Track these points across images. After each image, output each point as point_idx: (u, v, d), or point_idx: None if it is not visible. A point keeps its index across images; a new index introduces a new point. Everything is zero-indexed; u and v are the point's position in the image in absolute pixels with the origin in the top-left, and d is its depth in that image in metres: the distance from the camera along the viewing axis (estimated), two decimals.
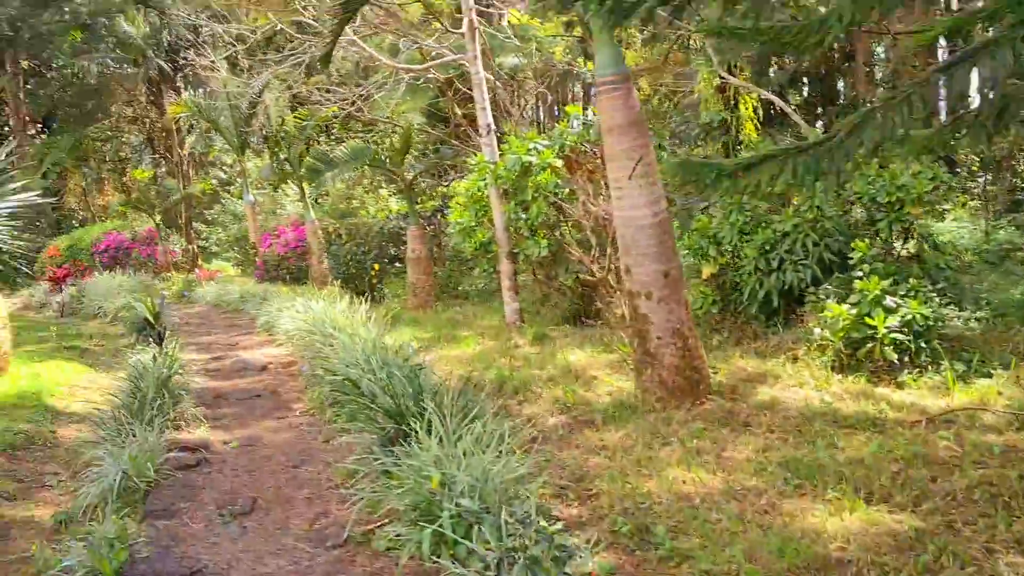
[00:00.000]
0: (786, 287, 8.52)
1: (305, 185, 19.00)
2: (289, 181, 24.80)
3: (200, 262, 27.07)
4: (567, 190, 9.95)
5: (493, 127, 10.66)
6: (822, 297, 7.86)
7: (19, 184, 9.01)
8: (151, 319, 7.71)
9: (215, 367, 9.86)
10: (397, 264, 15.63)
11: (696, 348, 6.73)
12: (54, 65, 30.86)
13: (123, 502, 5.41)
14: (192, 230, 28.16)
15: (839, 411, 6.09)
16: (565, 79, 23.43)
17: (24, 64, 31.68)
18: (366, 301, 15.04)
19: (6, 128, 33.47)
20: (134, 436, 6.18)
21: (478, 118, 10.64)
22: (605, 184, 8.04)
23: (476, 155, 16.29)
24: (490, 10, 13.86)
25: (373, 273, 14.72)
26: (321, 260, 18.40)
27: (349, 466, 5.34)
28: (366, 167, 14.70)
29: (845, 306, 7.09)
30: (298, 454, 6.36)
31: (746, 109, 14.30)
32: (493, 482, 4.14)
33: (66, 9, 28.45)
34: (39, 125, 35.93)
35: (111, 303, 16.64)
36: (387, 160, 13.87)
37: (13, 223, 8.28)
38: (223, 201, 28.02)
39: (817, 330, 7.45)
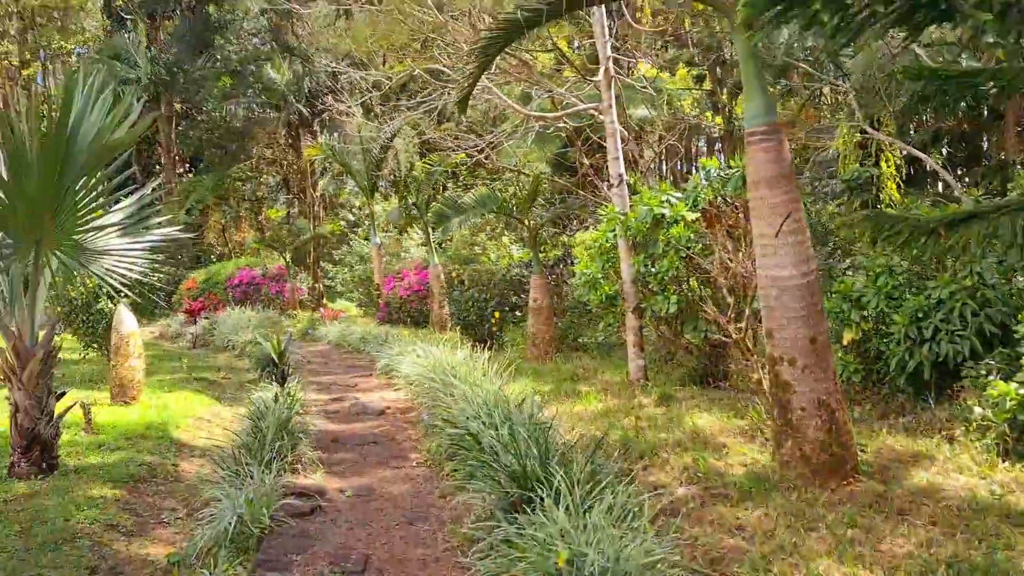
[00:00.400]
0: (940, 359, 7.80)
1: (430, 230, 19.19)
2: (414, 225, 25.22)
3: (325, 301, 27.71)
4: (699, 245, 9.50)
5: (625, 177, 10.35)
6: (983, 373, 7.11)
7: (164, 219, 9.19)
8: (275, 358, 7.71)
9: (334, 409, 9.82)
10: (516, 312, 15.40)
11: (844, 423, 6.13)
12: (204, 108, 32.53)
13: (236, 548, 5.26)
14: (319, 269, 28.92)
15: (1011, 505, 5.39)
16: (691, 133, 23.01)
17: (177, 107, 33.63)
18: (486, 348, 14.92)
19: (157, 166, 35.52)
20: (252, 478, 6.07)
21: (609, 168, 10.36)
22: (745, 240, 7.56)
23: (603, 206, 16.08)
24: (622, 59, 13.70)
25: (494, 321, 14.54)
26: (442, 305, 18.39)
27: (468, 531, 5.02)
28: (492, 214, 14.59)
29: (1012, 384, 6.37)
30: (413, 509, 6.08)
31: (888, 167, 13.48)
32: (626, 564, 3.74)
33: (219, 57, 30.07)
34: (187, 164, 38.06)
35: (239, 337, 17.09)
36: (514, 208, 13.74)
37: (155, 256, 8.43)
38: (350, 242, 28.69)
39: (978, 409, 6.69)
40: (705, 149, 33.12)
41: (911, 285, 8.31)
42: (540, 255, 14.83)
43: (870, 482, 5.95)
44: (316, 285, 28.07)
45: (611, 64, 10.23)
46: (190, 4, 31.29)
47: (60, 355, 9.33)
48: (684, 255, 9.67)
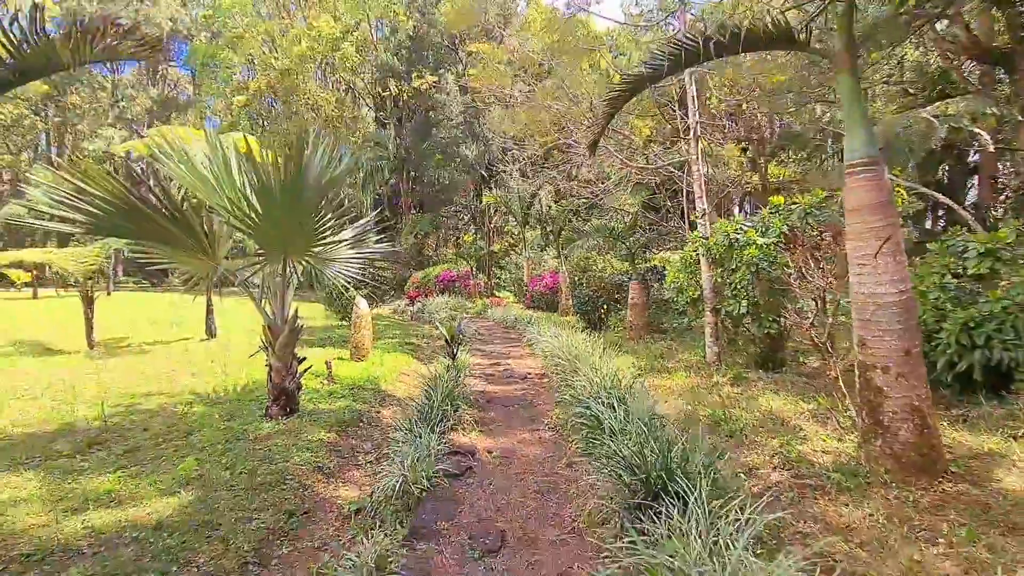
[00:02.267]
0: (992, 364, 5.45)
1: (561, 249, 17.55)
2: (550, 246, 23.64)
3: (494, 292, 26.64)
4: (767, 263, 7.38)
5: (708, 210, 8.32)
6: None
7: (378, 238, 8.09)
8: (448, 338, 6.30)
9: (491, 373, 8.34)
10: (617, 305, 13.50)
11: (934, 426, 4.05)
12: (425, 174, 32.25)
13: (401, 505, 3.87)
14: (492, 272, 27.89)
15: None
16: (736, 186, 20.29)
17: (411, 173, 33.59)
18: (596, 329, 13.16)
19: (399, 209, 35.76)
20: (420, 438, 4.68)
21: (696, 204, 8.38)
22: (824, 260, 5.49)
23: (677, 234, 13.99)
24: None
25: (603, 311, 12.72)
26: (567, 298, 16.81)
27: (592, 510, 3.39)
28: (605, 238, 12.77)
29: None
30: (545, 477, 4.47)
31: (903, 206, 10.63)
32: None
33: (434, 141, 29.58)
34: (418, 208, 38.16)
35: (439, 315, 16.08)
36: (619, 235, 11.87)
37: (374, 262, 7.28)
38: (510, 256, 27.45)
39: None
40: (737, 200, 29.62)
41: (961, 300, 5.94)
42: (636, 267, 12.89)
43: (963, 485, 3.86)
44: (489, 282, 27.03)
45: (698, 126, 8.23)
46: (417, 110, 30.99)
47: (326, 323, 8.28)
48: (754, 270, 7.57)
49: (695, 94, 8.10)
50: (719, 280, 7.93)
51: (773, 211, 7.94)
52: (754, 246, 7.53)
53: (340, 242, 6.47)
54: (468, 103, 26.01)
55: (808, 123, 14.48)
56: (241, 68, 39.81)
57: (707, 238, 8.16)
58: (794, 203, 7.61)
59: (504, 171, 21.48)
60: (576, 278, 13.70)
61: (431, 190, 32.66)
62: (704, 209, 8.28)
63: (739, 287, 7.72)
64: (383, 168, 31.54)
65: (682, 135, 9.59)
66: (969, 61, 11.70)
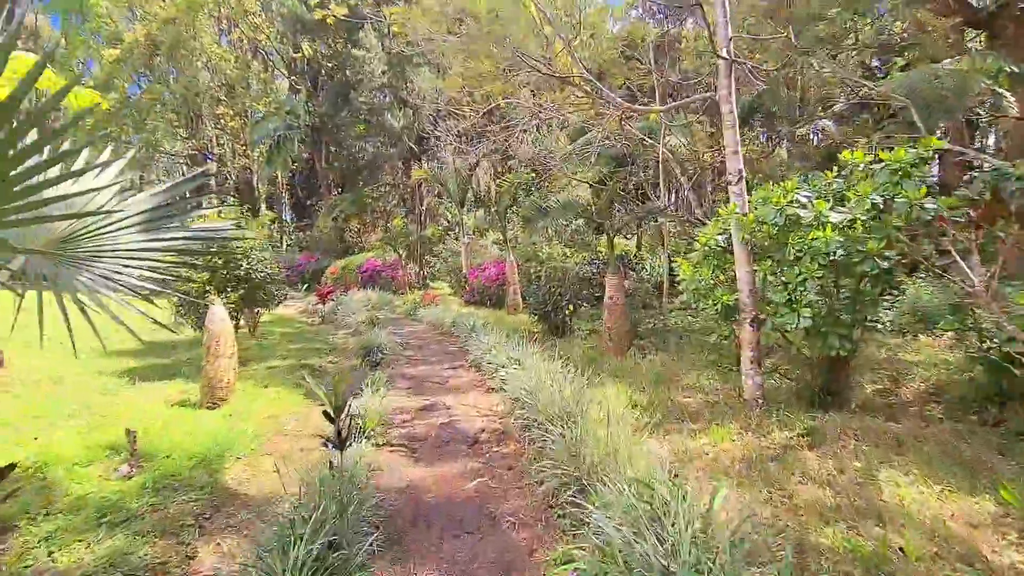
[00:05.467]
0: None
1: (506, 233, 14.66)
2: (492, 230, 20.74)
3: (429, 283, 23.45)
4: (850, 249, 4.81)
5: (744, 174, 5.64)
6: None
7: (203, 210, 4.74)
8: (332, 415, 3.24)
9: (418, 431, 5.28)
10: (585, 305, 10.79)
11: None
12: (345, 147, 28.34)
13: None
14: (424, 260, 24.61)
15: None
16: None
17: (330, 147, 29.57)
18: (558, 335, 10.41)
19: (320, 189, 31.75)
20: None
21: (727, 163, 5.66)
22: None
23: (652, 221, 11.43)
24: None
25: (568, 312, 9.95)
26: (516, 292, 14.00)
27: None
28: (577, 217, 9.92)
29: None
30: None
31: None
32: None
33: (353, 107, 25.77)
34: (339, 188, 33.99)
35: (356, 317, 12.80)
36: (595, 212, 9.07)
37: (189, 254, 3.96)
38: (446, 242, 24.23)
39: None
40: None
41: None
42: (597, 254, 10.28)
43: None
44: (421, 271, 23.77)
45: (731, 46, 5.50)
46: (331, 72, 26.95)
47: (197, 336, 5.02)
48: (825, 263, 4.99)
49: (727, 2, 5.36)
50: (771, 277, 5.30)
51: (839, 174, 5.39)
52: (826, 226, 4.93)
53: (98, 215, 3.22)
54: (391, 51, 22.26)
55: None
56: (120, 19, 33.85)
57: (745, 214, 5.49)
58: (880, 160, 5.05)
59: (437, 140, 18.26)
60: (532, 269, 10.82)
61: (353, 166, 28.83)
62: (740, 171, 5.60)
63: (799, 289, 5.12)
64: (293, 139, 27.33)
65: (711, 56, 6.84)
66: (952, 23, 10.06)
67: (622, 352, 8.46)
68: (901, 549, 3.00)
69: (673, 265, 12.37)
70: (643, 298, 10.48)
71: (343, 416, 3.35)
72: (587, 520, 2.86)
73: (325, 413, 3.38)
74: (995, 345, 5.66)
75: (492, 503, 3.66)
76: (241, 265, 7.78)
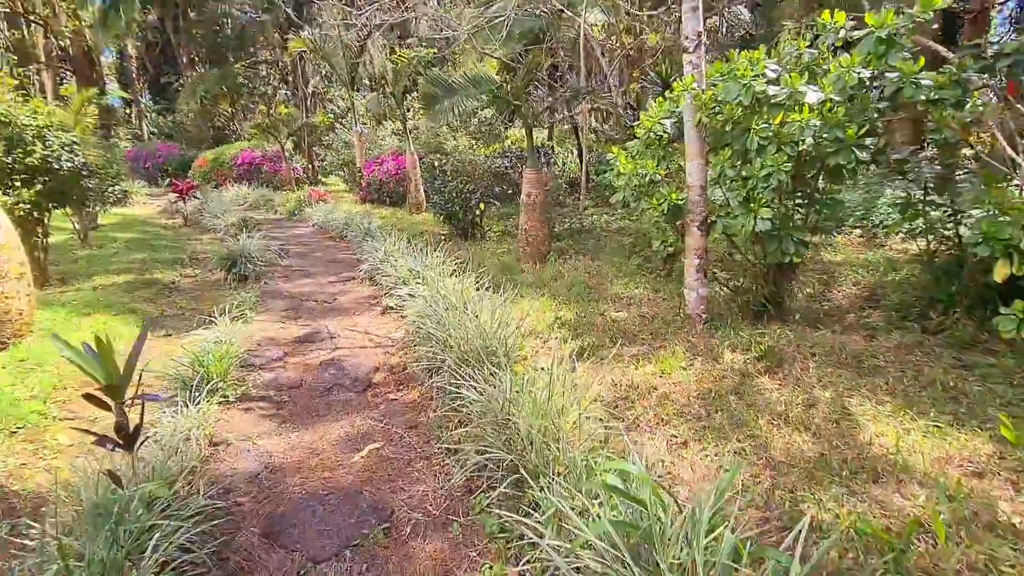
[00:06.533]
0: None
1: (405, 121, 12.72)
2: (390, 118, 18.38)
3: (320, 177, 20.89)
4: (835, 136, 3.92)
5: (704, 39, 4.46)
6: None
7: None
8: (106, 393, 2.00)
9: (291, 377, 3.98)
10: (497, 204, 9.57)
11: None
12: (203, 10, 23.50)
13: None
14: (313, 153, 21.70)
15: None
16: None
17: (185, 11, 24.37)
18: (468, 238, 9.21)
19: (181, 65, 26.59)
20: None
21: (684, 22, 4.42)
22: None
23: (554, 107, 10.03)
24: None
25: (479, 212, 8.70)
26: (418, 188, 12.43)
27: None
28: (485, 96, 8.31)
29: None
30: None
31: None
32: None
33: None
34: (206, 64, 28.71)
35: (226, 219, 10.72)
36: (509, 93, 7.58)
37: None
38: (337, 131, 21.32)
39: None
40: None
41: None
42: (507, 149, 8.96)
43: None
44: (310, 166, 21.02)
45: None
46: None
47: None
48: (796, 152, 4.10)
49: None
50: (729, 171, 4.33)
51: (812, 44, 4.37)
52: (803, 107, 3.98)
53: None
54: None
55: None
56: None
57: (703, 90, 4.39)
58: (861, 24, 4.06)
59: (319, 4, 15.16)
60: (437, 163, 9.29)
61: (217, 36, 24.18)
62: (699, 33, 4.40)
63: (759, 186, 4.24)
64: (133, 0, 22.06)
65: None
66: None
67: (541, 258, 7.49)
68: (921, 524, 2.35)
69: (589, 158, 11.32)
70: (556, 195, 9.42)
71: (128, 395, 2.03)
72: (526, 519, 1.90)
73: (89, 396, 2.04)
74: (946, 249, 5.28)
75: (388, 488, 2.61)
76: (33, 151, 5.64)
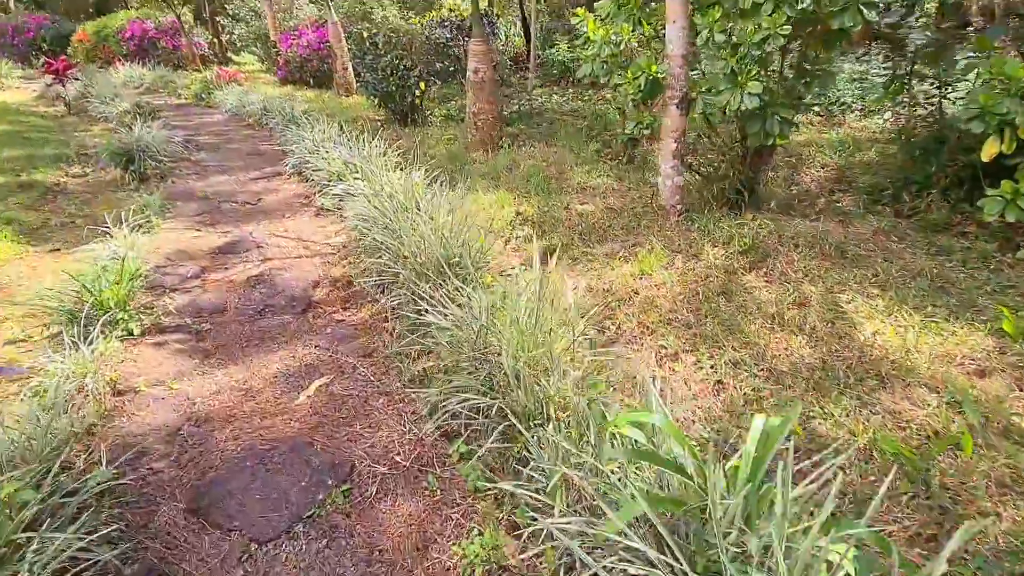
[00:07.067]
0: None
1: None
2: None
3: (229, 55, 18.28)
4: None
5: None
6: None
7: None
8: None
9: (213, 300, 3.28)
10: (438, 83, 8.50)
11: None
12: None
13: None
14: (218, 25, 18.73)
15: None
16: None
17: None
18: (407, 124, 8.22)
19: None
20: None
21: None
22: None
23: None
24: None
25: (419, 93, 7.67)
26: (345, 67, 10.96)
27: None
28: None
29: None
30: None
31: None
32: None
33: None
34: None
35: (118, 106, 9.10)
36: None
37: None
38: None
39: None
40: None
41: None
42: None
43: None
44: (217, 40, 18.23)
45: None
46: None
47: None
48: (796, 14, 3.51)
49: None
50: (719, 36, 3.69)
51: None
52: None
53: None
54: None
55: None
56: None
57: None
58: None
59: None
60: (366, 34, 7.99)
61: None
62: None
63: (748, 56, 3.66)
64: None
65: None
66: None
67: (493, 144, 6.75)
68: (938, 434, 2.17)
69: (535, 30, 10.14)
70: (501, 73, 8.45)
71: None
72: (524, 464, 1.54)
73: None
74: (928, 124, 4.97)
75: (344, 436, 2.17)
76: None
